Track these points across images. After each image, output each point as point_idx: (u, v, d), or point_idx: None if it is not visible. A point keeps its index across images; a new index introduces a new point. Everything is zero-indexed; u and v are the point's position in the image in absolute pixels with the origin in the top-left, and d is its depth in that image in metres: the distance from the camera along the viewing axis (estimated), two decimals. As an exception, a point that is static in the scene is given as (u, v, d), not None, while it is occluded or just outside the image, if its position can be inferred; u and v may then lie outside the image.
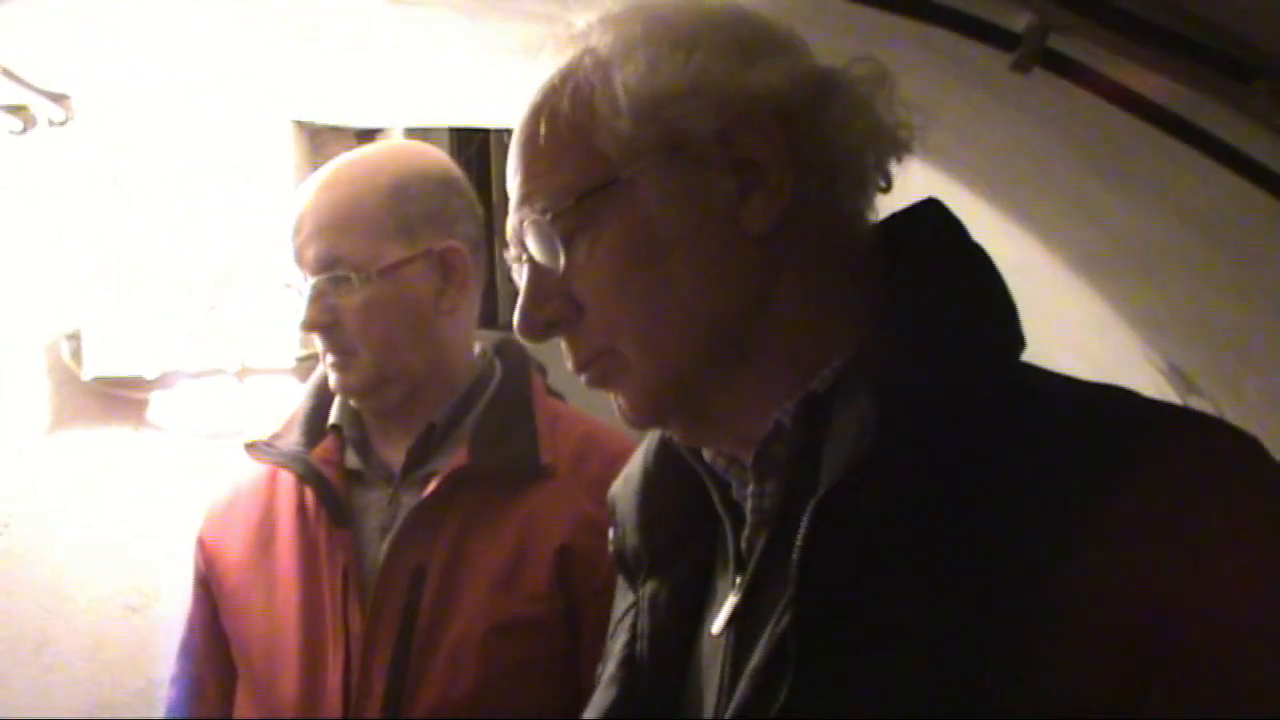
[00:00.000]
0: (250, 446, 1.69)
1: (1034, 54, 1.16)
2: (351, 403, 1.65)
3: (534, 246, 0.90)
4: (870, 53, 0.90)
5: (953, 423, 0.78)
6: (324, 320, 1.56)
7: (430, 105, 2.28)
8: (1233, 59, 1.08)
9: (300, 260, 1.57)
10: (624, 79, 0.86)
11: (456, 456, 1.58)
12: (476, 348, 1.69)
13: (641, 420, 0.92)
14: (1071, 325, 1.85)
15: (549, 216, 0.88)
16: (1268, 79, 1.07)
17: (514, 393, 1.65)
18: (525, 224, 0.89)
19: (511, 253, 0.94)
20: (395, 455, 1.63)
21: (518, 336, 0.94)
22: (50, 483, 2.45)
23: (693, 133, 0.85)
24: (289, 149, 2.44)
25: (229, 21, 1.68)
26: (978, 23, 1.17)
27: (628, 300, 0.87)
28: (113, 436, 2.49)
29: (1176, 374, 1.70)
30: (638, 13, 0.89)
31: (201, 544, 1.73)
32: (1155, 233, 1.54)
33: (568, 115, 0.88)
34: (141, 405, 2.48)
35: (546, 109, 0.89)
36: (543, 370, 1.72)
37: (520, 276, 0.93)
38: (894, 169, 0.91)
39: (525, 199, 0.90)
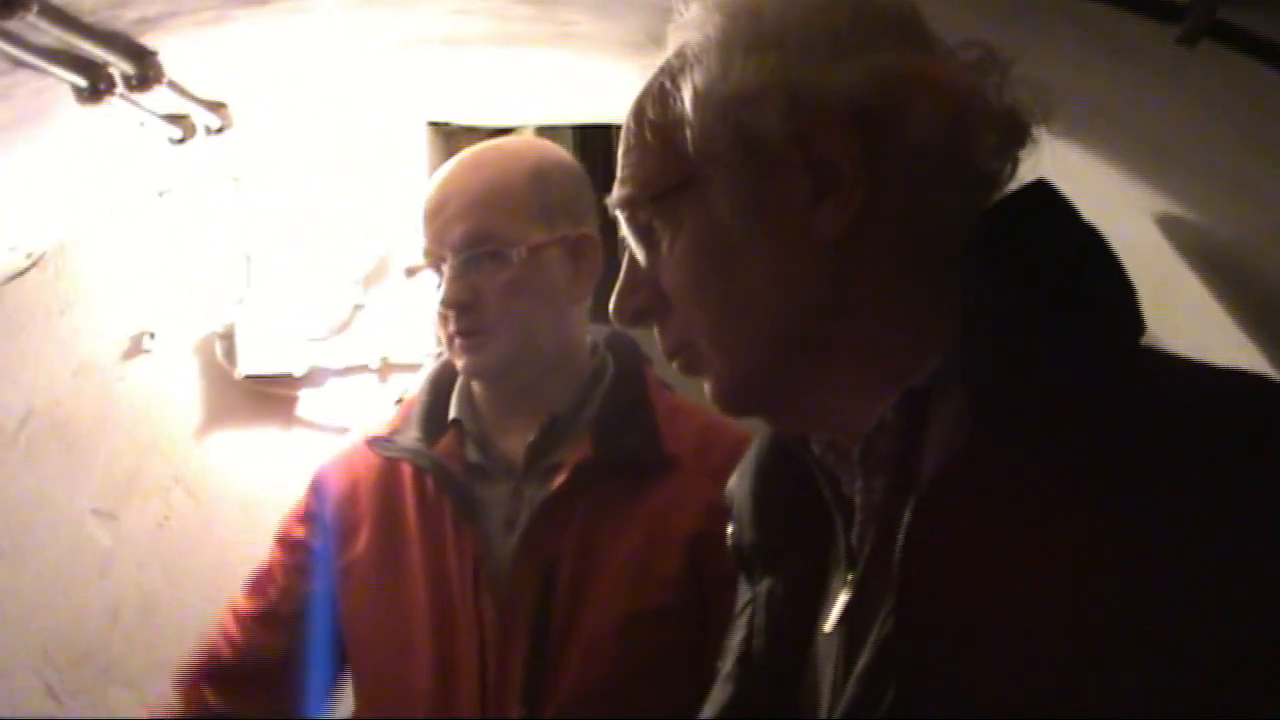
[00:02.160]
0: (372, 441, 1.70)
1: (1202, 25, 1.10)
2: (477, 385, 1.67)
3: (631, 237, 0.93)
4: (985, 37, 0.87)
5: (1050, 418, 0.76)
6: (466, 297, 1.58)
7: (560, 104, 2.30)
8: None
9: (441, 238, 1.59)
10: (700, 78, 0.86)
11: (580, 449, 1.59)
12: (588, 340, 1.70)
13: (727, 409, 0.94)
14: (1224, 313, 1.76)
15: (634, 210, 0.91)
16: None
17: (630, 385, 1.66)
18: (620, 215, 0.93)
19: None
20: (516, 448, 1.64)
21: (616, 323, 0.97)
22: (205, 479, 2.55)
23: (766, 134, 0.84)
24: (425, 149, 2.49)
25: (367, 28, 1.71)
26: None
27: (701, 298, 0.89)
28: (264, 433, 2.57)
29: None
30: (730, 5, 0.88)
31: (314, 517, 1.73)
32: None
33: (654, 112, 0.89)
34: (291, 402, 2.55)
35: (640, 105, 0.91)
36: (650, 362, 1.71)
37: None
38: (1034, 152, 0.88)
39: (619, 192, 0.92)
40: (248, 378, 2.49)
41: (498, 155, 1.65)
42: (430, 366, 1.79)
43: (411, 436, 1.68)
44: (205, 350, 2.54)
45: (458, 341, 1.61)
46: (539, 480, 1.60)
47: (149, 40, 1.61)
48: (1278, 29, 1.08)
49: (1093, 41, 1.28)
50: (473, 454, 1.66)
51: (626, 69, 1.90)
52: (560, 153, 1.73)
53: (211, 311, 2.50)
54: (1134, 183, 1.65)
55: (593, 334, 1.72)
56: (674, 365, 0.95)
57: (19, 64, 1.47)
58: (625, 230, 0.93)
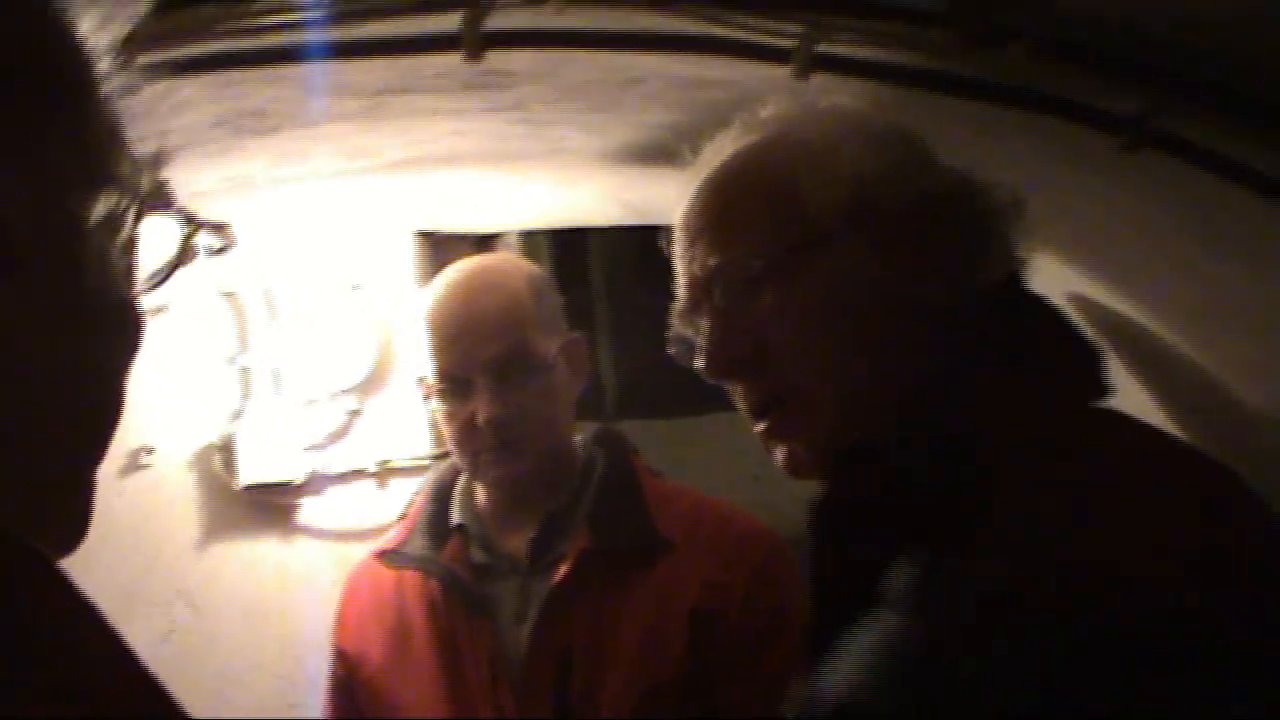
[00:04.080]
0: (381, 554, 1.81)
1: (1142, 136, 1.20)
2: (480, 489, 1.76)
3: (725, 293, 1.01)
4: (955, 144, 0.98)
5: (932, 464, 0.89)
6: (508, 412, 1.67)
7: (541, 210, 2.39)
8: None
9: (474, 359, 1.68)
10: (842, 160, 0.99)
11: (580, 540, 1.68)
12: (579, 436, 1.81)
13: (819, 465, 1.00)
14: (1177, 379, 1.86)
15: (748, 265, 0.99)
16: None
17: (621, 474, 1.76)
18: (718, 273, 1.01)
19: (681, 305, 1.06)
20: (519, 546, 1.73)
21: (706, 376, 1.05)
22: (208, 591, 2.56)
23: (889, 211, 0.98)
24: (413, 258, 2.56)
25: (368, 149, 1.80)
26: (1086, 109, 1.22)
27: (818, 346, 0.99)
28: (265, 543, 2.60)
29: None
30: (835, 111, 1.06)
31: (341, 653, 1.83)
32: (1260, 291, 1.56)
33: (769, 182, 1.01)
34: (292, 511, 2.58)
35: (744, 175, 1.03)
36: (637, 453, 1.82)
37: (698, 326, 1.05)
38: None
39: (719, 251, 1.01)
40: (247, 488, 2.53)
41: (500, 275, 1.76)
42: (429, 477, 1.89)
43: (418, 546, 1.77)
44: (204, 462, 2.57)
45: (493, 454, 1.70)
46: (544, 574, 1.68)
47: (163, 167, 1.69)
48: (1211, 137, 1.19)
49: (1047, 150, 1.39)
50: (478, 555, 1.75)
51: (606, 175, 2.01)
52: (535, 266, 1.89)
53: (209, 424, 2.54)
54: (1082, 272, 1.76)
55: (579, 431, 1.82)
56: (759, 427, 1.02)
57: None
58: (718, 288, 1.01)
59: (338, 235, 2.48)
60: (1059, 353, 0.96)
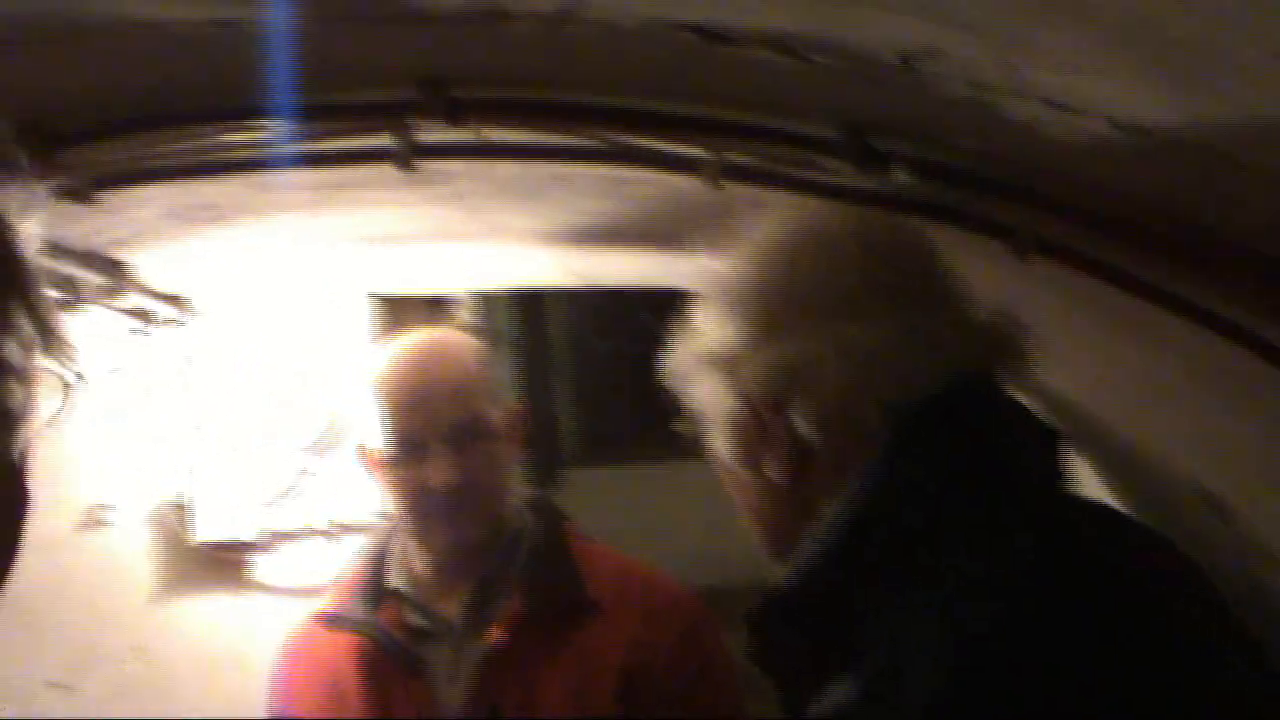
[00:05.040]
0: (319, 617, 1.85)
1: (1028, 243, 1.31)
2: (414, 551, 1.81)
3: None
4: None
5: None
6: (463, 478, 1.72)
7: (488, 274, 2.49)
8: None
9: (430, 425, 1.73)
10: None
11: (512, 603, 1.74)
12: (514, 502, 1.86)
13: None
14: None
15: None
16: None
17: (551, 539, 1.83)
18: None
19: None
20: (453, 608, 1.78)
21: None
22: (163, 648, 2.60)
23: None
24: (367, 319, 2.64)
25: (319, 230, 1.88)
26: (977, 218, 1.33)
27: None
28: (220, 599, 2.65)
29: (1208, 500, 1.81)
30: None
31: (278, 717, 1.87)
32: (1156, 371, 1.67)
33: None
34: (245, 567, 2.64)
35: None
36: (567, 518, 1.90)
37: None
38: None
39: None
40: (202, 544, 2.58)
41: (451, 347, 1.83)
42: (364, 540, 1.94)
43: (355, 608, 1.82)
44: (160, 519, 2.62)
45: (446, 519, 1.75)
46: (477, 636, 1.74)
47: (121, 253, 1.77)
48: (1097, 247, 1.30)
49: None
50: (413, 619, 1.80)
51: (548, 252, 2.10)
52: (478, 340, 1.94)
53: (166, 481, 2.59)
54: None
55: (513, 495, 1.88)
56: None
57: None
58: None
59: (292, 297, 2.55)
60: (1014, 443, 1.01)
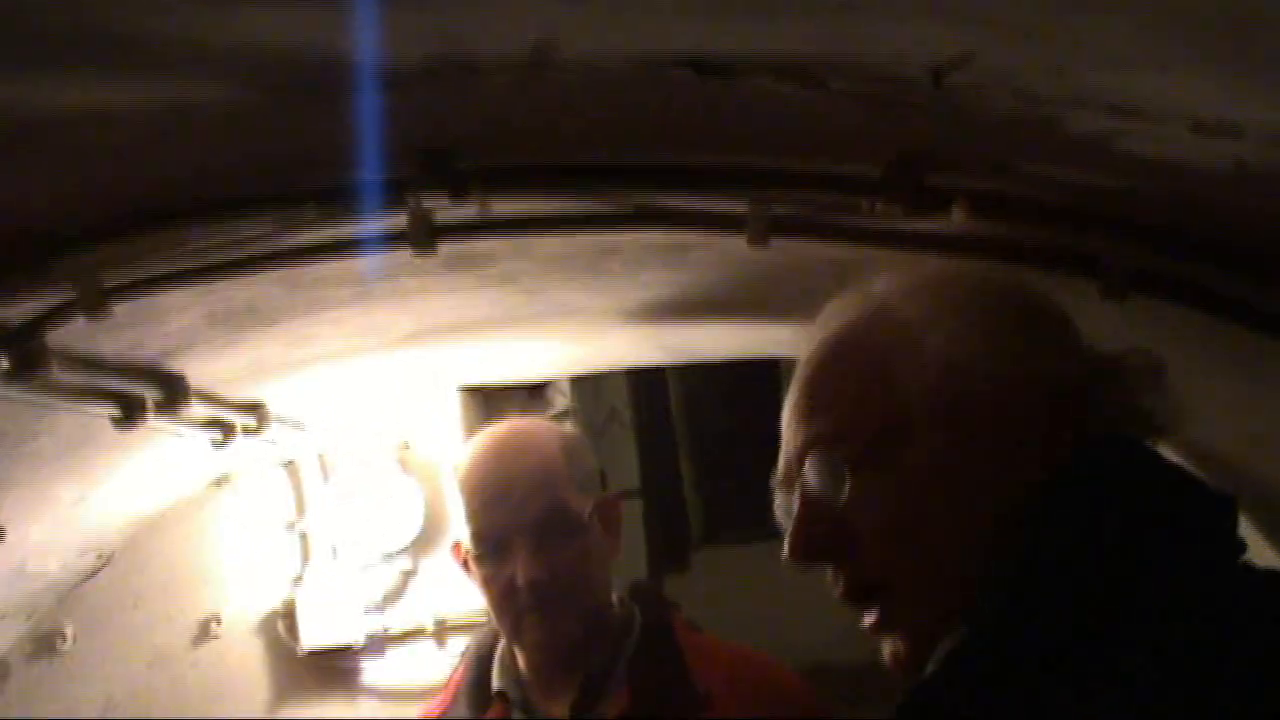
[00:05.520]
0: None
1: (1118, 280, 1.14)
2: (518, 652, 1.73)
3: (816, 475, 0.96)
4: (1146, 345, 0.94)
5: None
6: (547, 574, 1.65)
7: (573, 360, 2.40)
8: None
9: (513, 520, 1.67)
10: (935, 341, 0.94)
11: (620, 702, 1.65)
12: (616, 596, 1.78)
13: (913, 666, 0.94)
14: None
15: (834, 449, 0.95)
16: None
17: (658, 632, 1.74)
18: (809, 454, 0.97)
19: (779, 477, 1.02)
20: (560, 709, 1.69)
21: (789, 560, 0.99)
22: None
23: (982, 397, 0.92)
24: (459, 414, 2.58)
25: (374, 326, 1.82)
26: (1059, 255, 1.17)
27: (904, 539, 0.92)
28: (331, 706, 2.61)
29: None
30: (946, 283, 0.99)
31: None
32: None
33: (862, 363, 0.96)
34: (355, 674, 2.59)
35: (840, 354, 0.98)
36: (675, 608, 1.80)
37: (788, 508, 1.00)
38: None
39: (810, 430, 0.97)
40: (310, 653, 2.55)
41: (532, 437, 1.75)
42: (469, 642, 1.88)
43: (461, 713, 1.76)
44: (269, 629, 2.61)
45: (534, 617, 1.67)
46: None
47: (175, 363, 1.74)
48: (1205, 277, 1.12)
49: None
50: None
51: (621, 331, 1.99)
52: (564, 427, 1.90)
53: (272, 591, 2.58)
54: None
55: (616, 589, 1.79)
56: (857, 609, 0.97)
57: (52, 407, 1.59)
58: (809, 469, 0.97)
59: (385, 396, 2.51)
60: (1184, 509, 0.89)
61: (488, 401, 2.61)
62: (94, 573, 2.58)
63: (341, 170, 1.12)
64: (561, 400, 2.74)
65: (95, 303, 1.25)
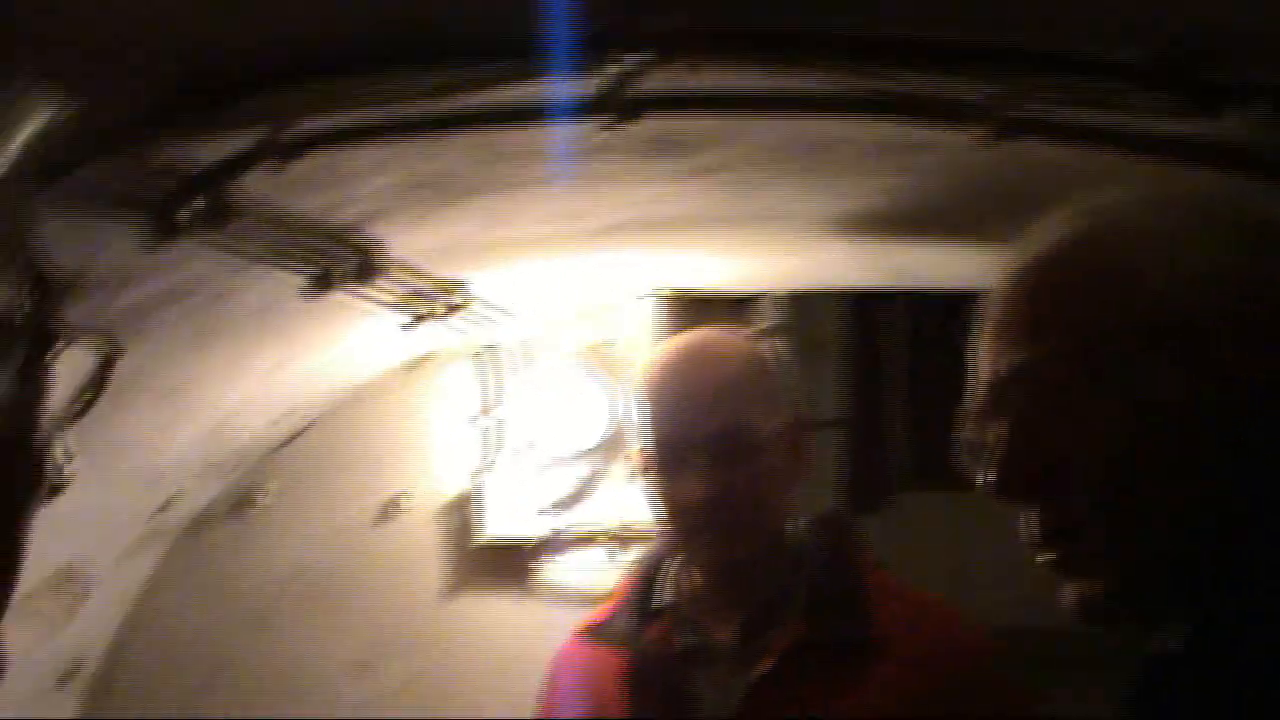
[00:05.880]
0: (584, 631, 1.75)
1: None
2: (689, 570, 1.66)
3: (1032, 401, 0.88)
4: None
5: None
6: (720, 493, 1.58)
7: (781, 274, 2.27)
8: None
9: (690, 434, 1.60)
10: (1188, 253, 0.86)
11: (791, 631, 1.58)
12: (801, 521, 1.70)
13: (1105, 614, 0.87)
14: None
15: (1063, 367, 0.87)
16: None
17: (841, 564, 1.66)
18: (1024, 373, 0.88)
19: (974, 407, 0.92)
20: (726, 632, 1.63)
21: (994, 495, 0.90)
22: (450, 643, 2.60)
23: (1222, 316, 0.84)
24: (658, 320, 2.50)
25: (570, 215, 1.74)
26: None
27: (1129, 472, 0.84)
28: (504, 599, 2.61)
29: None
30: (1184, 200, 0.91)
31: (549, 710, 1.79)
32: None
33: (1106, 274, 0.87)
34: (530, 570, 2.58)
35: (1076, 264, 0.89)
36: (863, 540, 1.72)
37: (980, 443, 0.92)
38: None
39: (1030, 347, 0.89)
40: (488, 545, 2.54)
41: (720, 350, 1.67)
42: (640, 553, 1.83)
43: (622, 625, 1.71)
44: (449, 516, 2.62)
45: (706, 536, 1.61)
46: (750, 664, 1.59)
47: (369, 232, 1.70)
48: None
49: None
50: (683, 639, 1.67)
51: (834, 245, 1.86)
52: (758, 341, 1.77)
53: (455, 478, 2.59)
54: None
55: (805, 514, 1.71)
56: (1043, 560, 0.89)
57: (244, 265, 1.58)
58: (1027, 392, 0.88)
59: (585, 293, 2.45)
60: None
61: (690, 309, 2.52)
62: (290, 439, 2.64)
63: (535, 22, 1.02)
64: (768, 317, 2.62)
65: (281, 150, 1.20)
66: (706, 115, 1.20)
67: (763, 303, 2.63)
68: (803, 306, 2.71)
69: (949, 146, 1.32)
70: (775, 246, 2.03)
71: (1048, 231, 0.91)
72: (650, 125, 1.21)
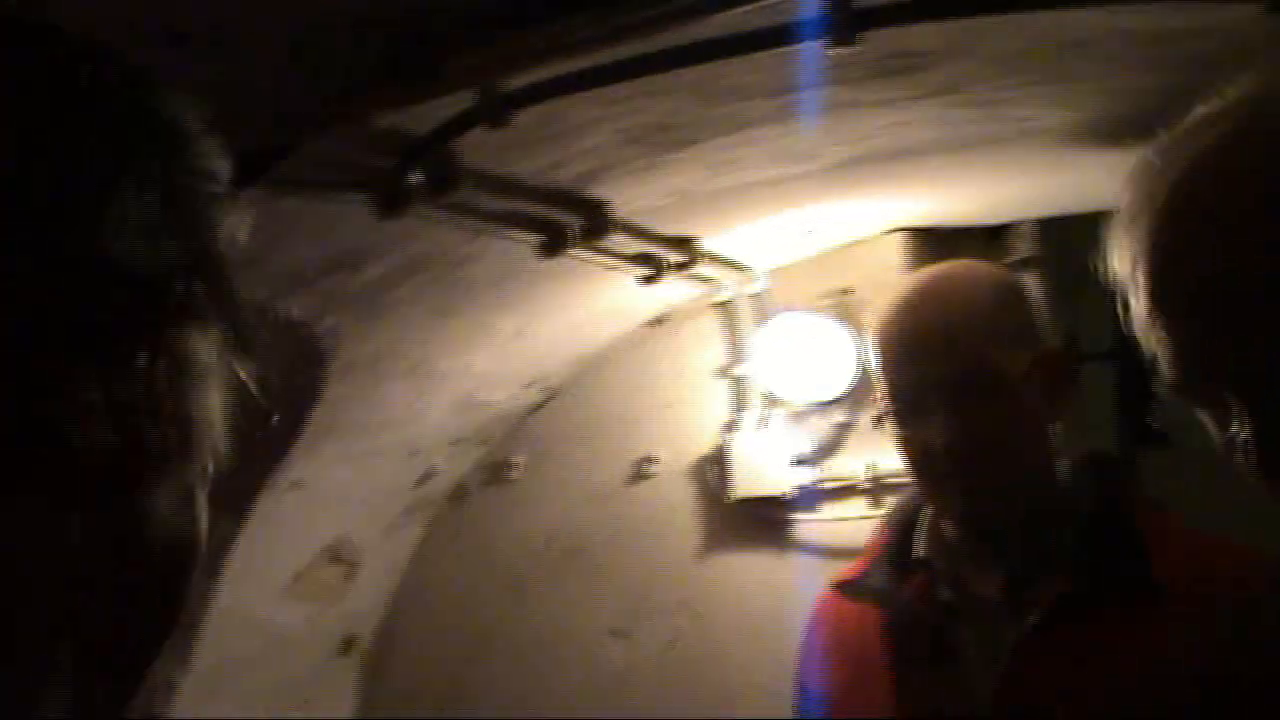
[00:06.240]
0: (840, 585, 1.69)
1: None
2: (962, 526, 1.56)
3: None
4: None
5: None
6: (964, 439, 1.48)
7: (1039, 199, 2.10)
8: None
9: (928, 376, 1.51)
10: None
11: (1060, 581, 1.46)
12: (1065, 463, 1.56)
13: None
14: None
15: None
16: None
17: (1112, 508, 1.52)
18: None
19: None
20: (990, 585, 1.53)
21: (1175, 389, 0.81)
22: (709, 602, 2.58)
23: None
24: (904, 259, 2.38)
25: (801, 152, 1.65)
26: None
27: None
28: (760, 556, 2.56)
29: None
30: None
31: (803, 689, 1.74)
32: None
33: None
34: (785, 525, 2.52)
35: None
36: (1136, 481, 1.59)
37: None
38: None
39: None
40: (740, 501, 2.49)
41: (959, 284, 1.56)
42: (892, 504, 1.74)
43: (879, 578, 1.64)
44: (700, 474, 2.58)
45: (954, 485, 1.51)
46: (1017, 619, 1.49)
47: (595, 189, 1.67)
48: None
49: None
50: (944, 593, 1.58)
51: (1097, 160, 1.69)
52: (1007, 272, 1.66)
53: (704, 436, 2.55)
54: None
55: (1069, 454, 1.57)
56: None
57: (474, 231, 1.57)
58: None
59: (824, 237, 2.36)
60: None
61: (938, 245, 2.37)
62: (540, 406, 2.67)
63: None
64: (1025, 247, 2.44)
65: (495, 109, 1.17)
66: (938, 22, 1.09)
67: (1017, 233, 2.46)
68: (1063, 234, 2.50)
69: (1224, 32, 1.16)
70: (1025, 169, 1.87)
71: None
72: (876, 43, 1.11)
